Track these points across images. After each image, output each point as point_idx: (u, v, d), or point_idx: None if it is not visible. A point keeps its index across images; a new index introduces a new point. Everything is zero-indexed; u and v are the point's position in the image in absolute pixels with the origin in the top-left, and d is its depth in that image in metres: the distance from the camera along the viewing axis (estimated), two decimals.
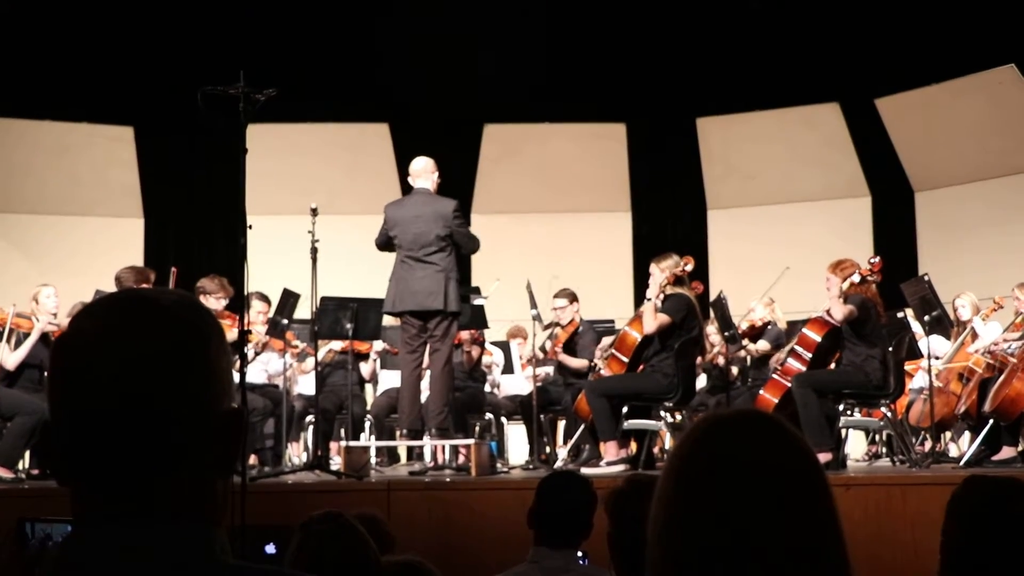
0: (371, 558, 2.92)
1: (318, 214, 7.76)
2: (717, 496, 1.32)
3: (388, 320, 9.00)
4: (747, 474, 1.32)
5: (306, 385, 9.44)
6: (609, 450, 7.69)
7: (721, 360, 9.17)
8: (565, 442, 9.15)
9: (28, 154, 12.30)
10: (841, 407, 7.62)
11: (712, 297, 9.38)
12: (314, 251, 7.72)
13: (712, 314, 9.06)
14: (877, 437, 9.39)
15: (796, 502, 1.32)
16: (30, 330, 8.08)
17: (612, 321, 9.67)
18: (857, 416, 8.05)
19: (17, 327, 8.10)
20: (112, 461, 1.18)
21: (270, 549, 4.61)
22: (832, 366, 7.77)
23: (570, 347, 9.16)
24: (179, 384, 1.19)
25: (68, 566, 1.18)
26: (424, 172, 7.81)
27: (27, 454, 8.11)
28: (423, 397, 7.80)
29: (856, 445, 9.76)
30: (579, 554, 3.74)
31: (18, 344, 8.07)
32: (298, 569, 2.79)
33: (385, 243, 7.80)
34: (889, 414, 7.79)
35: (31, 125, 12.30)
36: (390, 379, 9.44)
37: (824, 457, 6.91)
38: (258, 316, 9.10)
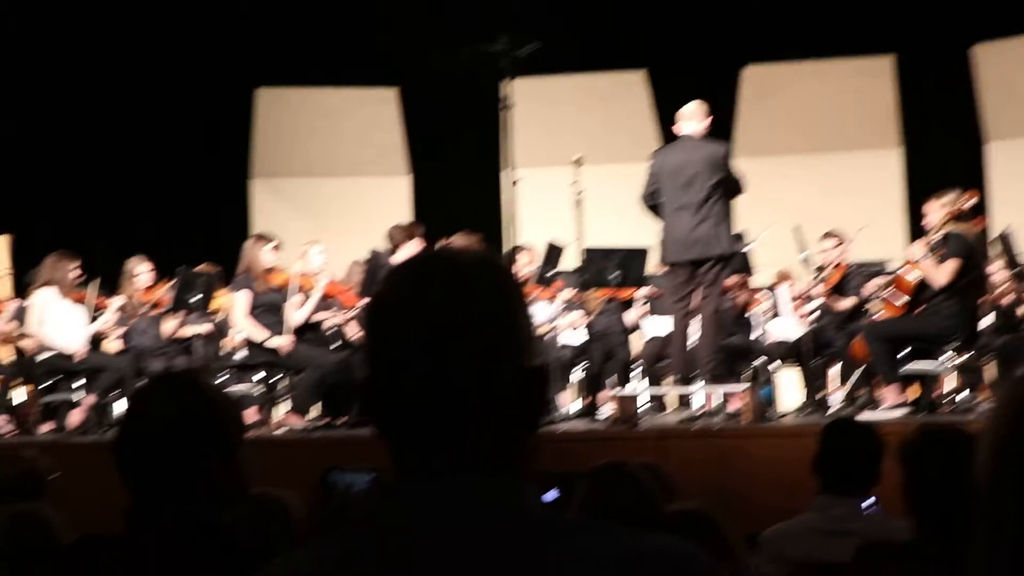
0: (657, 506, 2.90)
1: (582, 165, 7.77)
2: None
3: (653, 266, 8.96)
4: None
5: (573, 334, 9.53)
6: (889, 395, 7.41)
7: (1008, 299, 8.66)
8: (841, 386, 8.88)
9: (299, 120, 12.88)
10: None
11: (994, 234, 8.87)
12: (577, 202, 7.75)
13: (995, 251, 8.57)
14: None
15: None
16: (312, 288, 8.46)
17: (883, 263, 9.28)
18: None
19: (303, 286, 8.49)
20: (426, 416, 1.21)
21: (550, 495, 4.66)
22: None
23: (839, 290, 8.87)
24: (487, 341, 1.22)
25: (385, 517, 1.23)
26: (692, 116, 7.61)
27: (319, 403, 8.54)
28: (692, 343, 7.72)
29: None
30: (870, 500, 3.61)
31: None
32: (586, 516, 2.80)
33: (650, 197, 7.62)
34: None
35: (300, 92, 12.88)
36: (657, 325, 9.40)
37: None
38: (523, 269, 9.22)
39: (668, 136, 9.77)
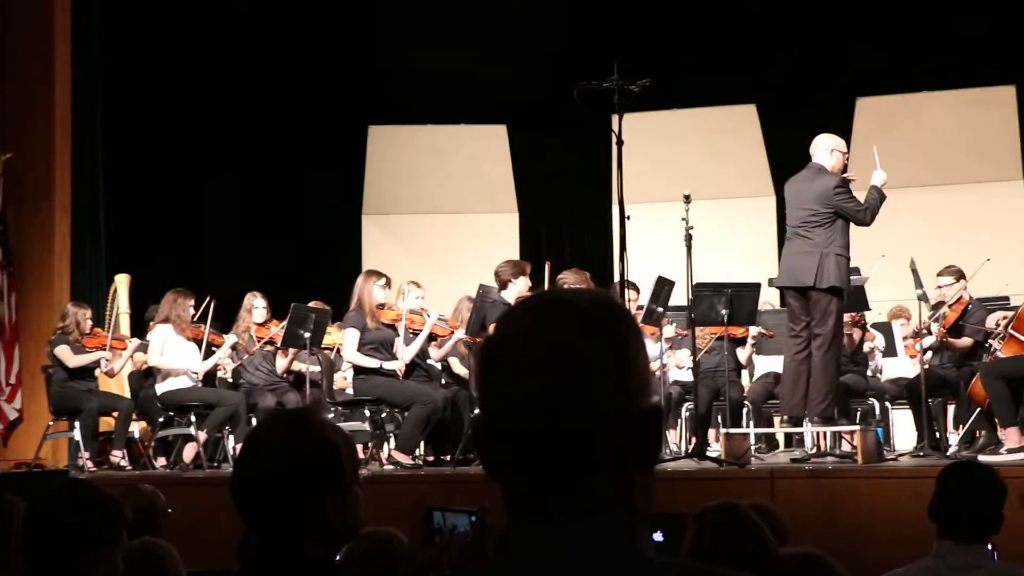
0: (769, 550, 2.86)
1: (691, 201, 7.76)
2: None
3: (764, 304, 8.86)
4: None
5: (681, 372, 9.46)
6: (1010, 437, 7.20)
7: None
8: (956, 427, 8.66)
9: (409, 157, 13.05)
10: None
11: None
12: (688, 238, 7.72)
13: None
14: None
15: None
16: (422, 326, 8.55)
17: (1007, 298, 9.04)
18: None
19: (411, 324, 8.58)
20: (541, 458, 1.22)
21: (657, 537, 4.63)
22: None
23: (957, 328, 8.65)
24: (605, 382, 1.22)
25: (501, 560, 1.23)
26: (817, 147, 7.61)
27: (422, 442, 8.61)
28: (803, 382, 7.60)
29: None
30: (988, 547, 3.52)
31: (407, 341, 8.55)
32: (696, 560, 2.78)
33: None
34: None
35: (411, 130, 13.05)
36: (767, 364, 9.29)
37: None
38: (631, 305, 9.19)
39: (778, 170, 9.72)
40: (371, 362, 8.32)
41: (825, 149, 7.58)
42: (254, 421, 8.50)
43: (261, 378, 9.01)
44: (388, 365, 8.32)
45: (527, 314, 1.28)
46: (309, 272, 11.92)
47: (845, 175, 7.47)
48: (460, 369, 9.03)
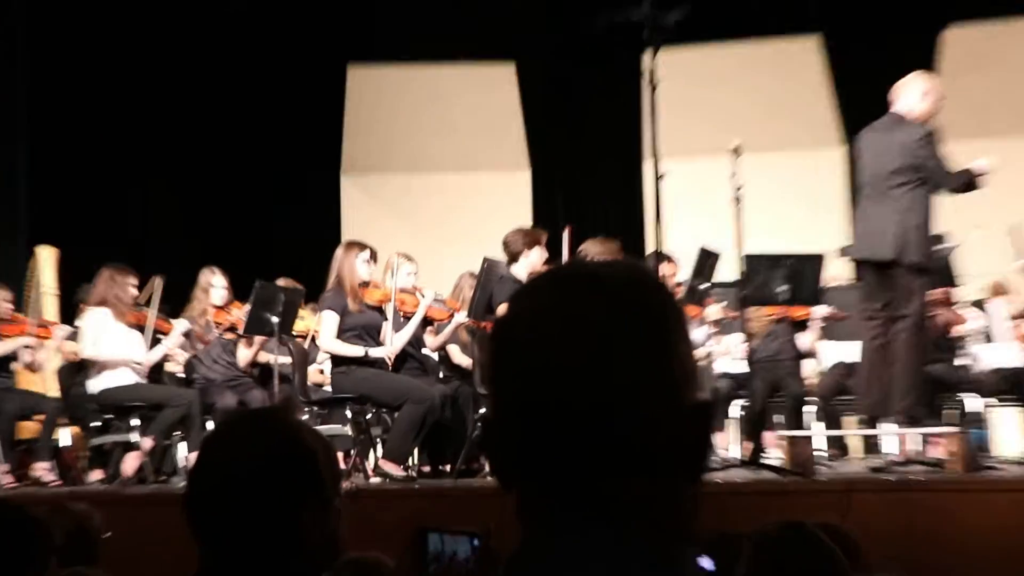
0: None
1: (741, 154, 7.74)
2: None
3: (833, 279, 8.85)
4: None
5: (731, 363, 9.49)
6: None
7: None
8: None
9: (397, 104, 13.03)
10: None
11: None
12: (737, 199, 7.70)
13: None
14: None
15: None
16: (414, 309, 8.54)
17: None
18: None
19: (401, 306, 8.57)
20: (564, 464, 1.23)
21: (706, 564, 4.62)
22: None
23: None
24: (640, 374, 1.23)
25: None
26: (900, 91, 7.57)
27: (417, 449, 8.60)
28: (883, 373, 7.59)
29: None
30: None
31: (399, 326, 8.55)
32: None
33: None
34: None
35: (398, 71, 13.01)
36: (837, 352, 9.28)
37: None
38: (668, 281, 9.19)
39: (849, 118, 9.65)
40: (354, 351, 8.30)
41: (916, 92, 7.53)
42: (211, 425, 8.49)
43: (220, 372, 9.02)
44: (375, 352, 8.32)
45: (545, 291, 1.29)
46: (277, 244, 11.92)
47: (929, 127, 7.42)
48: (461, 359, 9.04)
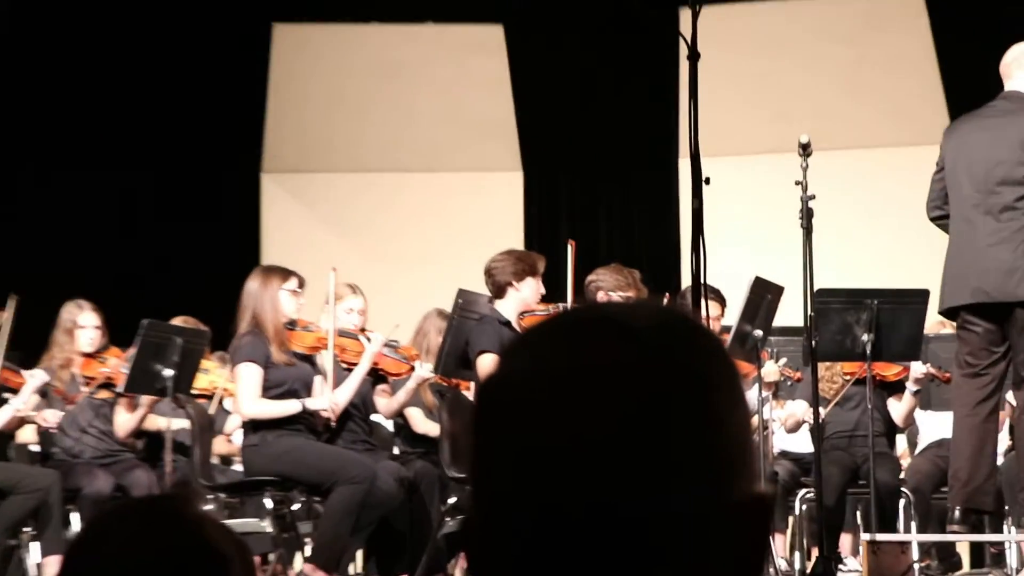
0: None
1: (811, 152, 7.75)
2: None
3: (937, 326, 8.85)
4: None
5: (791, 439, 9.53)
6: None
7: None
8: None
9: (339, 78, 13.04)
10: None
11: None
12: (808, 213, 7.70)
13: None
14: None
15: None
16: (358, 358, 8.55)
17: None
18: None
19: (342, 354, 8.57)
20: (573, 569, 1.24)
21: None
22: None
23: None
24: (674, 455, 1.25)
25: None
26: (1020, 64, 7.50)
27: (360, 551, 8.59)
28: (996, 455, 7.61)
29: None
30: None
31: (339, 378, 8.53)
32: None
33: (938, 206, 7.60)
34: None
35: (342, 31, 13.06)
36: (940, 426, 9.26)
37: None
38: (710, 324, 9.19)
39: (956, 103, 9.65)
40: (288, 407, 8.30)
41: None
42: (77, 520, 8.44)
43: (89, 445, 9.00)
44: (313, 404, 8.33)
45: (553, 341, 1.30)
46: (172, 269, 11.90)
47: None
48: (426, 428, 9.06)
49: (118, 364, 8.80)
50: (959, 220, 7.45)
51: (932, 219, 7.65)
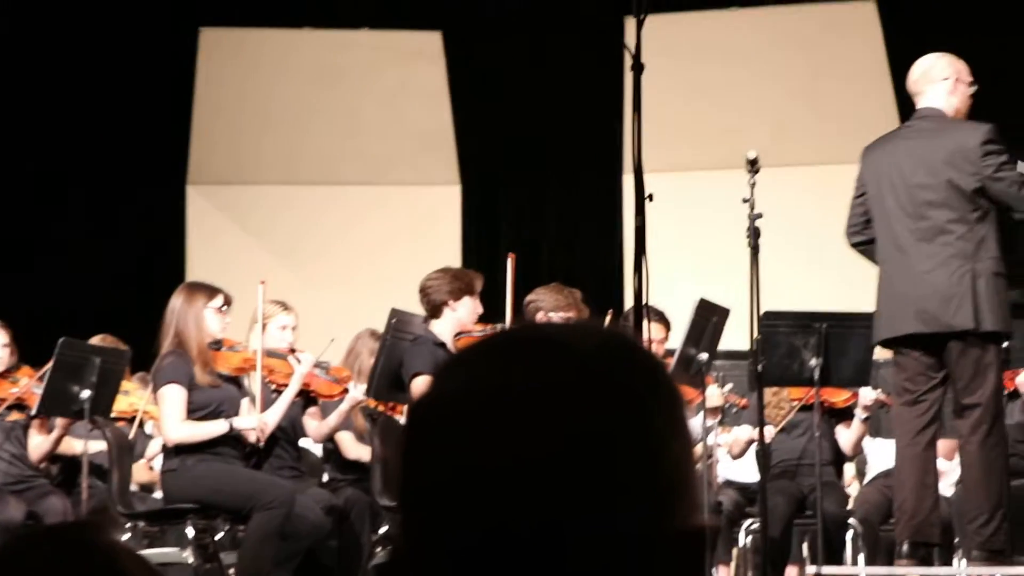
0: None
1: (758, 168, 7.68)
2: None
3: (884, 352, 8.88)
4: None
5: (737, 467, 9.61)
6: None
7: None
8: None
9: (269, 87, 12.96)
10: None
11: None
12: (755, 232, 7.64)
13: None
14: None
15: None
16: (287, 380, 8.46)
17: None
18: None
19: (270, 375, 8.50)
20: None
21: None
22: None
23: None
24: (611, 481, 1.28)
25: None
26: (929, 79, 7.56)
27: None
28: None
29: None
30: None
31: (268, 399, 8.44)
32: None
33: (858, 228, 7.71)
34: None
35: (272, 37, 13.02)
36: (888, 454, 9.26)
37: None
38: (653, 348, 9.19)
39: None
40: (215, 427, 8.24)
41: (939, 79, 7.54)
42: None
43: (0, 469, 8.84)
44: (241, 423, 8.29)
45: (487, 362, 1.34)
46: (91, 285, 11.81)
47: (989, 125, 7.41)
48: (357, 453, 9.03)
49: (30, 384, 8.71)
50: (889, 247, 7.55)
51: (854, 245, 7.80)
